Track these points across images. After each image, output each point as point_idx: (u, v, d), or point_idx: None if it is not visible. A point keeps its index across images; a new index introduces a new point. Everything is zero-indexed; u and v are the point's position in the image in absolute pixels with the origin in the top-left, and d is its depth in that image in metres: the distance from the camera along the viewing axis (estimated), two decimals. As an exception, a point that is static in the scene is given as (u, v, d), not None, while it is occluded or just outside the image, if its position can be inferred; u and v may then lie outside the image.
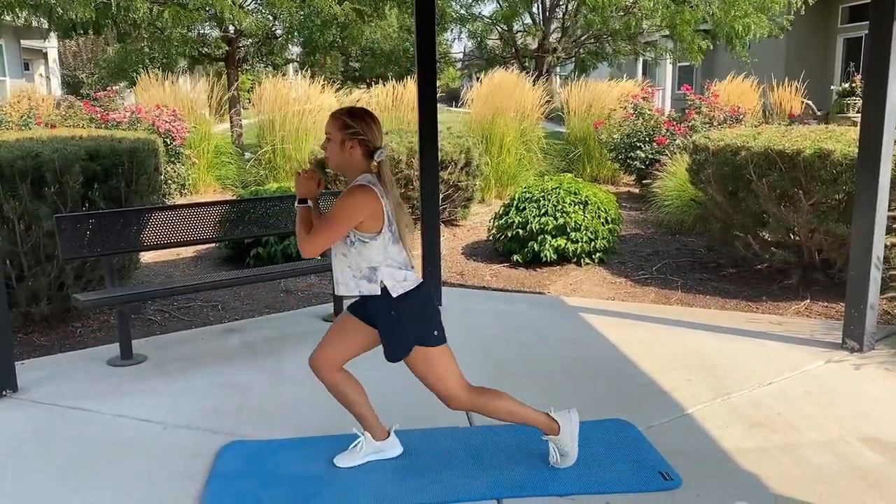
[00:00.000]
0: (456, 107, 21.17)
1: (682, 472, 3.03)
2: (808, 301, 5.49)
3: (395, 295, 2.83)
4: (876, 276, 4.29)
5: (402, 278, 2.85)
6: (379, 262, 2.83)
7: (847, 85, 12.86)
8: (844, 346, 4.41)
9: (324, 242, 2.79)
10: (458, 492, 2.90)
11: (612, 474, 3.02)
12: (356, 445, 3.12)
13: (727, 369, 4.13)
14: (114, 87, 13.77)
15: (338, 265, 2.90)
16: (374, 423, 3.11)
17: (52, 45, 25.50)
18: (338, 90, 12.34)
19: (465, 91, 12.57)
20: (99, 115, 10.72)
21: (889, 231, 4.53)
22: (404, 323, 2.85)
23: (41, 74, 27.37)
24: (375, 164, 2.86)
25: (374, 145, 2.85)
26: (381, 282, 2.83)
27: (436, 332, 2.89)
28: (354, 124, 2.82)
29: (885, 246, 4.41)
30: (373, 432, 3.12)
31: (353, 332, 2.99)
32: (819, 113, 12.97)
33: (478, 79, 12.37)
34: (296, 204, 2.92)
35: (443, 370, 2.89)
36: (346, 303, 3.03)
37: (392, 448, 3.16)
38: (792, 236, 5.73)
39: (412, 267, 2.93)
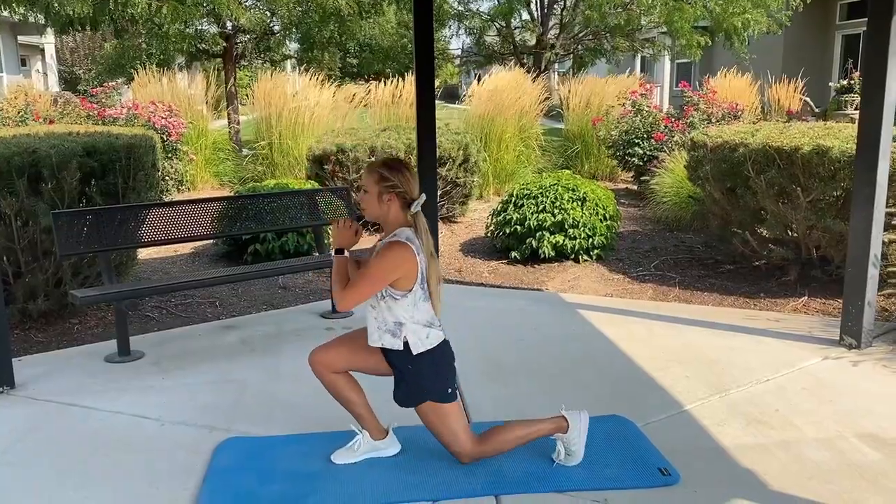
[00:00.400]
0: (455, 103, 21.16)
1: (681, 468, 3.03)
2: (806, 298, 5.49)
3: (416, 352, 2.87)
4: (874, 272, 4.29)
5: (424, 336, 2.90)
6: (406, 319, 2.87)
7: (845, 82, 12.87)
8: (842, 343, 4.41)
9: (359, 298, 2.82)
10: (457, 488, 2.90)
11: (610, 471, 3.02)
12: (354, 443, 3.12)
13: (725, 366, 4.14)
14: (111, 84, 13.72)
15: (369, 314, 2.94)
16: (372, 422, 3.11)
17: (49, 40, 25.43)
18: (338, 86, 12.31)
19: (465, 88, 12.58)
20: (96, 112, 10.70)
21: (887, 228, 4.53)
22: (419, 377, 2.91)
23: (38, 70, 27.32)
24: (412, 215, 2.87)
25: (412, 197, 2.86)
26: (405, 338, 2.88)
27: (449, 390, 2.94)
28: (392, 177, 2.84)
29: (883, 242, 4.41)
30: (371, 431, 3.11)
31: (366, 353, 3.00)
32: (817, 110, 12.97)
33: (477, 75, 12.36)
34: (332, 254, 2.91)
35: (453, 426, 2.95)
36: None
37: (390, 447, 3.15)
38: (790, 233, 5.73)
39: (438, 324, 2.96)
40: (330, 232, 2.93)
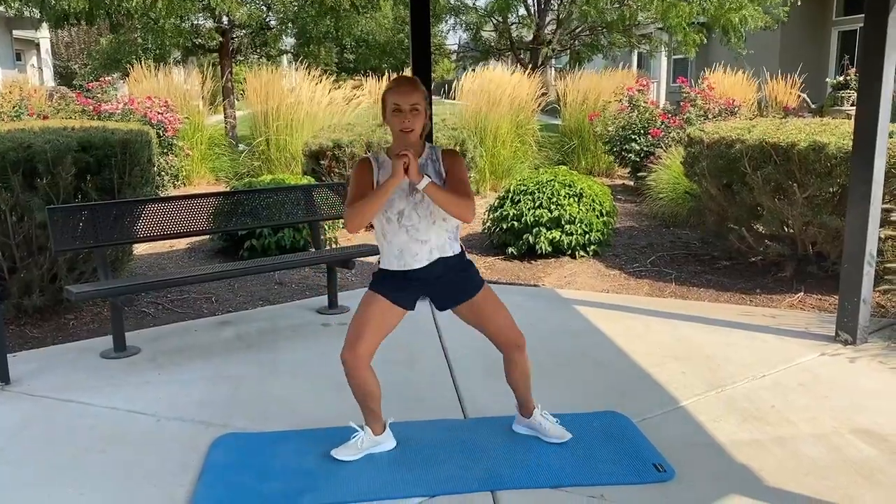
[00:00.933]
0: (446, 98, 21.11)
1: (676, 464, 3.03)
2: (802, 294, 5.50)
3: (463, 247, 3.08)
4: (869, 269, 4.29)
5: None
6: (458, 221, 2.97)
7: (841, 78, 12.88)
8: (838, 339, 4.42)
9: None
10: (453, 484, 2.90)
11: (606, 466, 3.02)
12: (357, 440, 3.11)
13: (721, 362, 4.14)
14: (106, 78, 13.67)
15: (434, 232, 2.92)
16: (378, 418, 3.13)
17: (44, 35, 25.35)
18: (335, 83, 12.28)
19: (456, 82, 12.53)
20: (91, 107, 10.66)
21: (883, 224, 4.54)
22: (472, 264, 3.10)
23: (33, 65, 27.23)
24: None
25: None
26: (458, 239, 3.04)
27: None
28: (426, 92, 2.92)
29: (879, 239, 4.41)
30: (374, 427, 3.13)
31: (387, 316, 2.98)
32: (813, 106, 12.98)
33: (473, 70, 12.33)
34: (423, 185, 2.75)
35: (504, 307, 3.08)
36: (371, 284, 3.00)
37: (388, 441, 3.17)
38: (786, 229, 5.74)
39: None
40: (398, 168, 2.74)
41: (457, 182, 2.87)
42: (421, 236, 2.91)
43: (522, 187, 6.89)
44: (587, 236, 6.64)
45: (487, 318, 3.04)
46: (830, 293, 5.36)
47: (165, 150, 10.21)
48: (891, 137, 4.93)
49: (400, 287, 2.98)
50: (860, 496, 2.82)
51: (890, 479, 2.93)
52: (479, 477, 2.95)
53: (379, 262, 3.06)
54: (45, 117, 9.71)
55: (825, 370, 4.02)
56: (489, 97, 10.93)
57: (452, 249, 2.99)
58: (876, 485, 2.89)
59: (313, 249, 5.55)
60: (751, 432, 3.33)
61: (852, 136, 4.32)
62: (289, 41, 17.77)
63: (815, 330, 4.64)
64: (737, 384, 3.85)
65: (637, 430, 3.32)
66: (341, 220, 7.31)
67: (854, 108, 4.41)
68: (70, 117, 10.01)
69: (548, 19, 18.21)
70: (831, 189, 5.22)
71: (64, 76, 26.96)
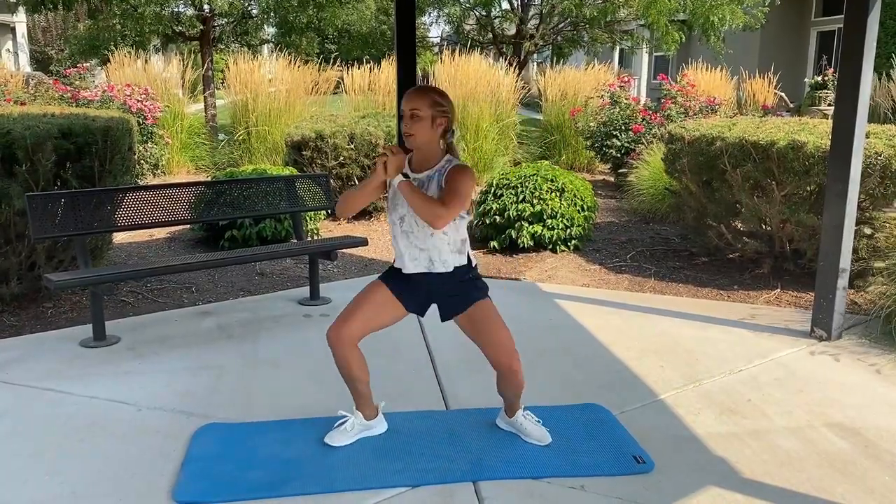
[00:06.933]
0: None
1: (655, 456, 3.08)
2: (779, 290, 5.58)
3: (473, 263, 3.03)
4: (845, 266, 4.37)
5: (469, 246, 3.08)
6: (466, 235, 2.98)
7: (820, 78, 13.03)
8: (813, 335, 4.50)
9: (454, 215, 2.80)
10: (436, 474, 2.93)
11: (586, 458, 3.06)
12: (345, 424, 3.14)
13: (699, 356, 4.20)
14: (84, 65, 13.49)
15: (436, 244, 2.93)
16: (369, 401, 3.16)
17: (20, 19, 24.91)
18: (318, 68, 12.19)
19: (433, 71, 12.49)
20: (69, 94, 10.53)
21: (858, 223, 4.62)
22: (478, 279, 3.07)
23: (8, 50, 26.75)
24: (447, 143, 2.95)
25: (452, 125, 2.94)
26: (468, 253, 3.00)
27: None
28: (444, 102, 2.89)
29: (855, 237, 4.49)
30: (365, 410, 3.16)
31: (387, 306, 3.01)
32: (792, 105, 13.13)
33: (451, 54, 12.29)
34: (397, 182, 2.81)
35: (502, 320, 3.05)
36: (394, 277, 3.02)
37: (380, 425, 3.22)
38: (764, 226, 5.82)
39: None
40: (378, 165, 2.87)
41: (445, 191, 2.83)
42: (419, 244, 2.93)
43: (505, 181, 6.91)
44: (568, 231, 6.68)
45: (480, 333, 3.02)
46: (806, 290, 5.44)
47: (145, 139, 10.12)
48: (867, 138, 5.02)
49: (402, 285, 3.02)
50: (832, 488, 2.88)
51: (861, 471, 3.00)
52: (461, 468, 2.97)
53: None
54: (23, 103, 9.57)
55: (800, 365, 4.09)
56: (466, 88, 10.92)
57: (455, 262, 2.95)
58: (848, 476, 2.96)
59: (294, 240, 5.54)
60: (727, 425, 3.38)
61: (830, 136, 4.39)
62: (270, 30, 17.62)
63: (791, 326, 4.71)
64: (714, 378, 3.91)
65: (617, 423, 3.37)
66: (323, 212, 7.30)
67: (831, 107, 4.47)
68: (48, 104, 9.88)
69: (530, 14, 18.22)
70: (809, 187, 5.30)
71: (40, 62, 26.53)
